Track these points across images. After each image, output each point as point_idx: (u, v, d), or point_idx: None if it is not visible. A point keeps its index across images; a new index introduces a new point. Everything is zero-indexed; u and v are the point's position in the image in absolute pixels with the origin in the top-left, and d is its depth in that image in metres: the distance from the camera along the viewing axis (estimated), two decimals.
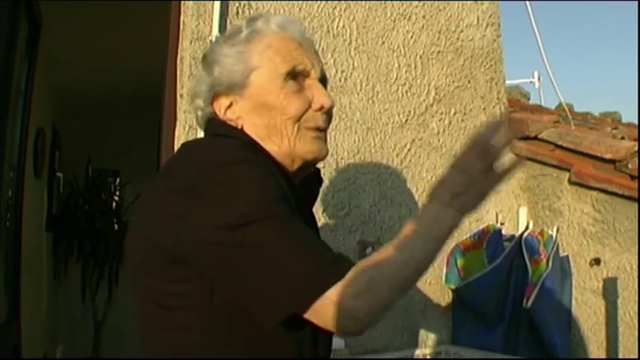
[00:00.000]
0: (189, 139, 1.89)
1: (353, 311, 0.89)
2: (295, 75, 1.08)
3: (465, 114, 2.59)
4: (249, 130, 1.08)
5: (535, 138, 2.71)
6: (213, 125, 1.11)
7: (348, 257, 0.94)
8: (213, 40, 1.95)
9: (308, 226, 1.04)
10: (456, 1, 2.61)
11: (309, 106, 1.08)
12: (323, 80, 1.14)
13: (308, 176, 1.16)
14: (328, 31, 2.29)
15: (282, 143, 1.07)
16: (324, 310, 0.89)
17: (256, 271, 0.91)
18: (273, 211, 0.92)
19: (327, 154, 1.12)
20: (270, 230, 0.90)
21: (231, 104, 1.09)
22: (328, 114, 1.12)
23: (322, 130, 1.11)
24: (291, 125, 1.06)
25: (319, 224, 2.19)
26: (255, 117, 1.07)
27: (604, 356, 2.39)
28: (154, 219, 0.98)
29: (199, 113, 1.13)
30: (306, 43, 1.12)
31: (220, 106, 1.09)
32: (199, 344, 0.97)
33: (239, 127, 1.09)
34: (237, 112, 1.08)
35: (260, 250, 0.90)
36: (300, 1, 2.23)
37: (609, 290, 2.39)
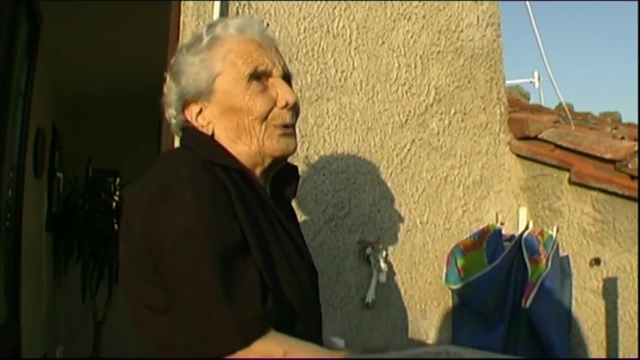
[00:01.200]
0: None
1: None
2: (258, 75, 1.11)
3: (465, 114, 2.59)
4: (220, 134, 1.12)
5: (535, 138, 2.71)
6: (186, 135, 1.16)
7: (265, 314, 0.95)
8: None
9: (280, 224, 1.11)
10: (456, 1, 2.61)
11: (274, 105, 1.12)
12: (286, 77, 1.17)
13: (284, 173, 1.21)
14: (328, 31, 2.29)
15: (252, 143, 1.11)
16: None
17: (177, 299, 0.97)
18: (201, 241, 0.95)
19: (295, 148, 1.16)
20: (191, 264, 0.95)
21: (200, 110, 1.13)
22: (294, 110, 1.15)
23: (289, 127, 1.14)
24: (259, 125, 1.10)
25: (319, 224, 2.20)
26: (224, 120, 1.12)
27: (604, 356, 2.39)
28: (132, 226, 1.03)
29: (173, 121, 1.19)
30: (266, 42, 1.16)
31: (191, 113, 1.14)
32: (183, 346, 0.98)
33: (210, 131, 1.13)
34: (207, 118, 1.13)
35: (179, 284, 0.95)
36: (300, 1, 2.23)
37: (609, 290, 2.38)
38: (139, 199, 1.02)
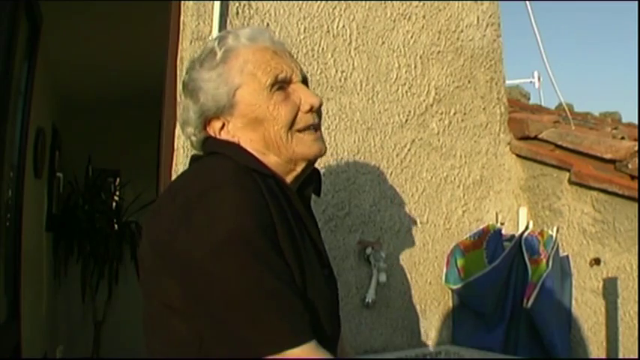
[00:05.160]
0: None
1: None
2: (279, 84, 1.09)
3: (465, 114, 2.59)
4: (247, 146, 1.10)
5: (535, 138, 2.71)
6: (210, 143, 1.13)
7: (303, 319, 0.95)
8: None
9: (307, 233, 1.09)
10: (456, 1, 2.61)
11: (298, 110, 1.10)
12: (305, 81, 1.15)
13: (307, 177, 1.18)
14: (328, 31, 2.29)
15: (281, 152, 1.09)
16: None
17: (219, 309, 0.95)
18: (246, 246, 0.94)
19: (326, 150, 1.14)
20: (237, 269, 0.93)
21: (223, 125, 1.11)
22: (318, 112, 1.14)
23: (316, 128, 1.12)
24: (285, 133, 1.08)
25: (319, 224, 2.19)
26: (249, 132, 1.09)
27: (604, 356, 2.39)
28: (158, 225, 1.02)
29: (193, 139, 1.15)
30: (279, 48, 1.14)
31: (214, 129, 1.12)
32: (197, 347, 0.98)
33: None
34: (231, 132, 1.11)
35: (225, 288, 0.94)
36: (300, 1, 2.23)
37: (609, 290, 2.39)
38: (172, 204, 1.01)
